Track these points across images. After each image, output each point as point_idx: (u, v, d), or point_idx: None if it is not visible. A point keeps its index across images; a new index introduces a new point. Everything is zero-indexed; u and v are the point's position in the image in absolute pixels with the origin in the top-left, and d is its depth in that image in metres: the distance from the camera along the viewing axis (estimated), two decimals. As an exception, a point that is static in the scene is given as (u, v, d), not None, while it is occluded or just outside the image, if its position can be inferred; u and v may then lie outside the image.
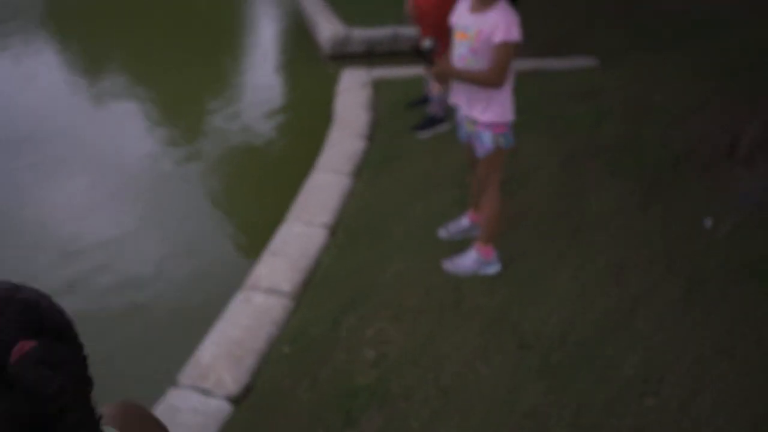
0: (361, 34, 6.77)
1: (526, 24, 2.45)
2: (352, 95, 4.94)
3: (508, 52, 2.28)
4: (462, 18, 2.43)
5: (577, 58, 5.77)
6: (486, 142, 2.52)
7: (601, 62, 5.67)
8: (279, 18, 9.17)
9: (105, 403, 0.75)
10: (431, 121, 4.33)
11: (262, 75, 6.66)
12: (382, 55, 6.66)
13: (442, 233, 3.13)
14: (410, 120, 4.45)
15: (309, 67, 6.87)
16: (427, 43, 2.65)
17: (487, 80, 2.35)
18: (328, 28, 6.93)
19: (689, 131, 3.87)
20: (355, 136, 4.34)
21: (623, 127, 4.10)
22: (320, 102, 5.32)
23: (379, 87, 5.18)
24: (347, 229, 3.42)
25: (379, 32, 6.75)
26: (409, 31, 6.18)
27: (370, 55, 6.73)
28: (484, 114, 2.46)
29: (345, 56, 6.67)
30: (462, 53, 2.39)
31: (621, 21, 6.57)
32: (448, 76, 2.55)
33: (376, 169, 3.98)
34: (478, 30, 2.32)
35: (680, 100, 4.29)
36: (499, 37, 2.28)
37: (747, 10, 5.82)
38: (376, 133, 4.46)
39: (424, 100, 4.57)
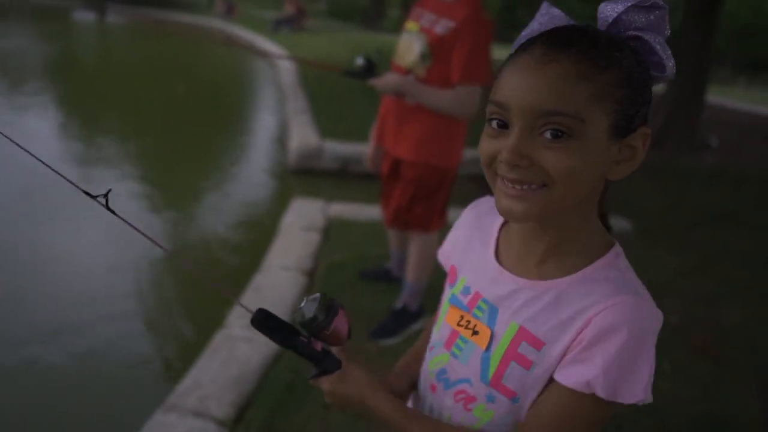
0: (336, 148, 5.50)
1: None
2: (292, 242, 3.51)
3: None
4: None
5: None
6: None
7: (637, 229, 4.31)
8: (273, 112, 8.11)
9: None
10: (399, 319, 2.74)
11: (215, 182, 5.34)
12: (357, 176, 5.36)
13: None
14: (366, 301, 2.96)
15: (268, 182, 5.56)
16: (359, 61, 2.50)
17: None
18: (297, 137, 5.68)
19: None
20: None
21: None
22: (255, 241, 3.92)
23: (334, 231, 3.77)
24: None
25: (357, 148, 5.48)
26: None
27: (344, 175, 5.44)
28: None
29: (314, 172, 5.38)
30: None
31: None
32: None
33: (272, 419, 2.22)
34: None
35: None
36: None
37: None
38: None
39: (385, 275, 3.13)
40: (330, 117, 6.63)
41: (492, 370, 0.81)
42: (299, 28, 17.34)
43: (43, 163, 0.91)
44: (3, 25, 14.46)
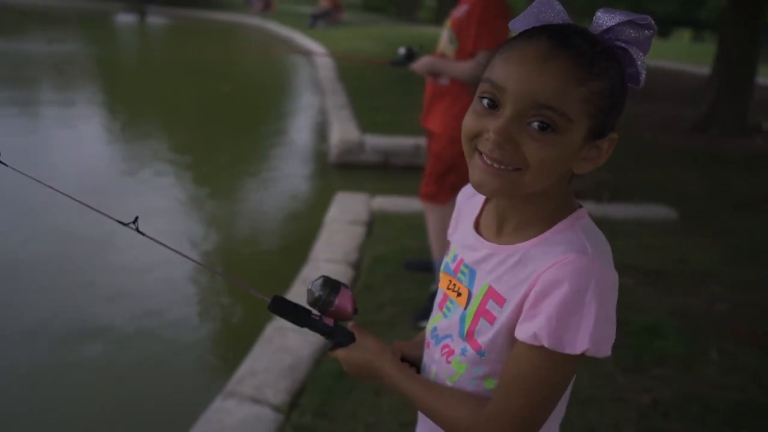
0: (377, 141, 5.58)
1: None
2: (337, 235, 3.62)
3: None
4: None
5: (651, 207, 4.37)
6: None
7: (681, 216, 4.25)
8: (312, 108, 8.26)
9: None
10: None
11: (256, 180, 5.49)
12: (398, 168, 5.43)
13: None
14: (409, 290, 3.05)
15: (310, 178, 5.69)
16: (401, 51, 2.82)
17: None
18: (338, 132, 5.78)
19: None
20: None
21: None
22: (298, 233, 4.04)
23: (377, 224, 3.86)
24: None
25: (397, 142, 5.54)
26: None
27: (386, 167, 5.52)
28: None
29: (356, 166, 5.48)
30: None
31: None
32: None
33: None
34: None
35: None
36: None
37: None
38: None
39: (431, 266, 3.20)
40: (369, 111, 6.71)
41: (467, 325, 0.89)
42: (335, 23, 17.45)
43: (73, 198, 1.06)
44: (53, 31, 15.01)
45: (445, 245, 2.91)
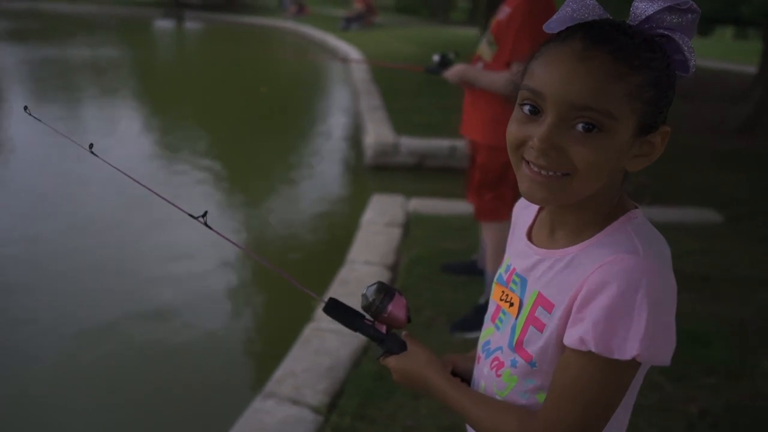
0: (411, 143, 5.57)
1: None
2: (374, 237, 3.62)
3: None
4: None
5: (694, 210, 4.26)
6: None
7: (726, 220, 4.13)
8: (347, 110, 8.32)
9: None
10: (481, 314, 2.74)
11: (293, 180, 5.54)
12: (434, 170, 5.41)
13: None
14: (447, 292, 3.02)
15: (346, 179, 5.71)
16: (435, 58, 2.71)
17: None
18: (373, 133, 5.79)
19: None
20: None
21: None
22: (334, 233, 4.06)
23: (414, 226, 3.84)
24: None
25: (432, 143, 5.52)
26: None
27: (420, 169, 5.51)
28: None
29: (391, 168, 5.48)
30: None
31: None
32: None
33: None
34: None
35: None
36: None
37: None
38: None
39: (470, 269, 3.16)
40: (404, 113, 6.70)
41: (516, 335, 0.86)
42: (368, 25, 17.50)
43: (147, 187, 1.10)
44: (96, 37, 15.45)
45: (501, 259, 2.84)
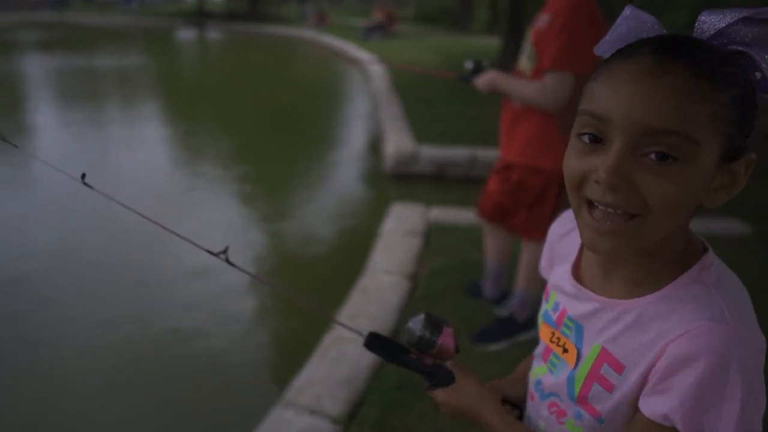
0: (432, 152, 5.55)
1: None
2: (394, 246, 3.59)
3: None
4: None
5: (721, 221, 4.17)
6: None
7: (756, 231, 4.03)
8: (367, 119, 8.35)
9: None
10: (505, 327, 2.71)
11: (314, 185, 5.56)
12: (454, 179, 5.38)
13: None
14: (469, 302, 2.98)
15: (365, 187, 5.70)
16: (468, 65, 2.55)
17: None
18: (393, 142, 5.78)
19: None
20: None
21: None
22: (354, 241, 4.04)
23: (434, 235, 3.81)
24: None
25: (453, 153, 5.49)
26: (489, 153, 4.90)
27: (440, 178, 5.48)
28: None
29: (411, 177, 5.46)
30: None
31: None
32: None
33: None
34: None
35: None
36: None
37: None
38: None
39: (475, 289, 3.09)
40: (424, 122, 6.69)
41: (577, 388, 0.79)
42: (389, 35, 17.58)
43: (159, 225, 1.03)
44: (121, 47, 15.74)
45: (535, 279, 2.74)
